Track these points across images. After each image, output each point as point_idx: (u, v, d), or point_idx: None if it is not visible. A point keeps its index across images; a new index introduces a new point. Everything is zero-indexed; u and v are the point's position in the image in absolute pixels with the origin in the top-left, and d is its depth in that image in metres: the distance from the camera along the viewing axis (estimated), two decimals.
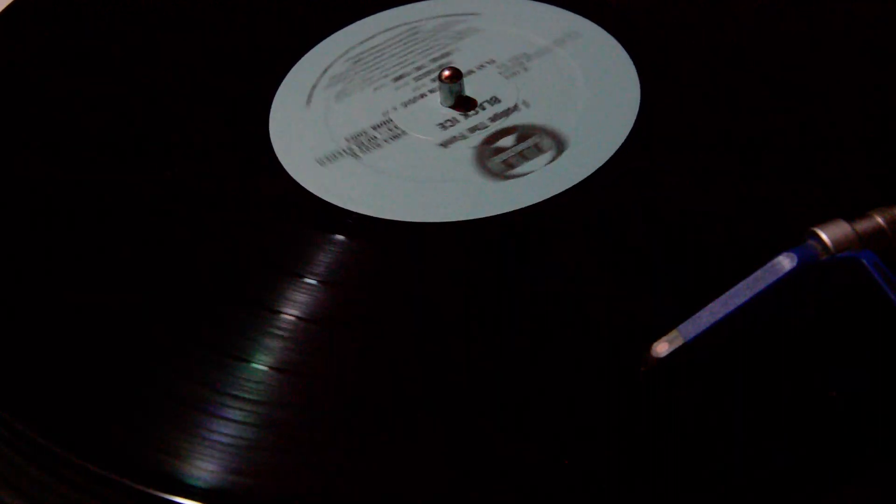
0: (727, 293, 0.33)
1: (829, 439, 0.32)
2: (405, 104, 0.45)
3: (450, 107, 0.45)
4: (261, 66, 0.48)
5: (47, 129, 0.47)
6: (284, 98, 0.47)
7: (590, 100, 0.44)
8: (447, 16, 0.50)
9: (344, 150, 0.43)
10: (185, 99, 0.47)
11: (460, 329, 0.36)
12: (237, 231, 0.41)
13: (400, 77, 0.47)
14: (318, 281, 0.38)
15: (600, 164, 0.41)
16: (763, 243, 0.34)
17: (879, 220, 0.34)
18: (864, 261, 0.32)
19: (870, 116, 0.41)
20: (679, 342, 0.33)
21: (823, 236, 0.34)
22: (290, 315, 0.37)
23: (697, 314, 0.33)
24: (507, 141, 0.43)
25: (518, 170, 0.41)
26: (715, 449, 0.32)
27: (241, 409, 0.34)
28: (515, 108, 0.44)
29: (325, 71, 0.48)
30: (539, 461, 0.32)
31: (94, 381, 0.36)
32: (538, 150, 0.42)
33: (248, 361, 0.36)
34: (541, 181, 0.41)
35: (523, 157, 0.42)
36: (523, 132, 0.43)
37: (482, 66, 0.47)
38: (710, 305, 0.33)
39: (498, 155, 0.42)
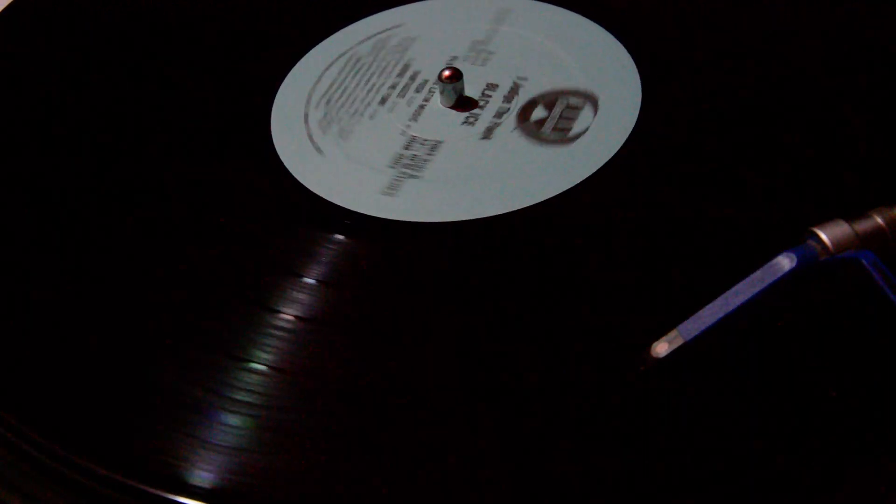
0: (727, 293, 0.33)
1: (829, 439, 0.32)
2: (413, 118, 0.44)
3: (451, 107, 0.44)
4: (263, 65, 0.48)
5: (47, 128, 0.47)
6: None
7: (577, 56, 0.45)
8: (374, 35, 0.49)
9: (401, 176, 0.42)
10: (185, 97, 0.47)
11: (461, 328, 0.36)
12: (237, 231, 0.41)
13: (384, 100, 0.45)
14: (319, 280, 0.38)
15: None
16: (763, 243, 0.34)
17: (879, 220, 0.34)
18: (864, 261, 0.32)
19: (870, 116, 0.41)
20: (679, 342, 0.33)
21: (823, 236, 0.34)
22: (290, 315, 0.37)
23: (697, 314, 0.33)
24: (539, 112, 0.43)
25: (575, 130, 0.42)
26: (714, 448, 0.32)
27: (240, 409, 0.34)
28: (517, 85, 0.44)
29: (307, 119, 0.46)
30: (539, 461, 0.32)
31: (94, 382, 0.36)
32: (574, 108, 0.42)
33: (248, 361, 0.36)
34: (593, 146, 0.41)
35: (567, 118, 0.42)
36: (547, 99, 0.43)
37: (449, 62, 0.46)
38: (710, 305, 0.33)
39: (544, 125, 0.42)
